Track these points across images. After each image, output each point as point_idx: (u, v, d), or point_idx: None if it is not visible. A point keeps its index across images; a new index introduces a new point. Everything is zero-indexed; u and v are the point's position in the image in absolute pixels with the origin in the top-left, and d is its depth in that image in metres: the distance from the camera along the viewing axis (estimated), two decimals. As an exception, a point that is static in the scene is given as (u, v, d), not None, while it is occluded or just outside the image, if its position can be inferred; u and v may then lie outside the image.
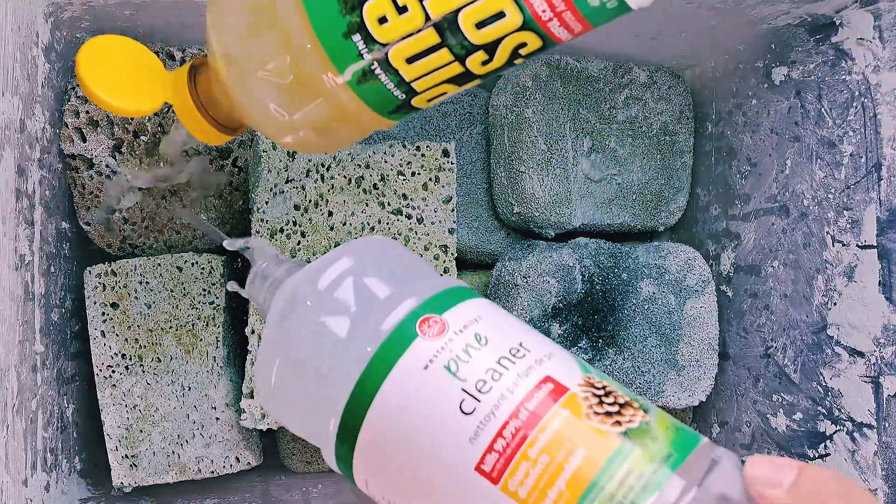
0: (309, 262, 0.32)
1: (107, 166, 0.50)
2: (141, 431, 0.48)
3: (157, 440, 0.48)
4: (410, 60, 0.30)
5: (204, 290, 0.49)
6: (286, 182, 0.47)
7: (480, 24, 0.28)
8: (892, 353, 0.43)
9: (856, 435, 0.45)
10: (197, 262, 0.49)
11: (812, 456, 0.47)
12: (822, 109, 0.47)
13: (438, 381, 0.25)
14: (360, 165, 0.49)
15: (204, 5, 0.51)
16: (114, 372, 0.48)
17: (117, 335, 0.48)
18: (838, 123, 0.46)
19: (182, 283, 0.49)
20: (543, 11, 0.27)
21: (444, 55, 0.29)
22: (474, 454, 0.24)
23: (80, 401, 0.52)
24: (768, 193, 0.52)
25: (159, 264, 0.49)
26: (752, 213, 0.54)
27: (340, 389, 0.27)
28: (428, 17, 0.28)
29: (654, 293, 0.54)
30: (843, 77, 0.45)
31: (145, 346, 0.48)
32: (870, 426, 0.44)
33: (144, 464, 0.48)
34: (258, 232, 0.47)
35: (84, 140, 0.50)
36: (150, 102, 0.35)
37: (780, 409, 0.51)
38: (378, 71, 0.30)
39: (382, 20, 0.29)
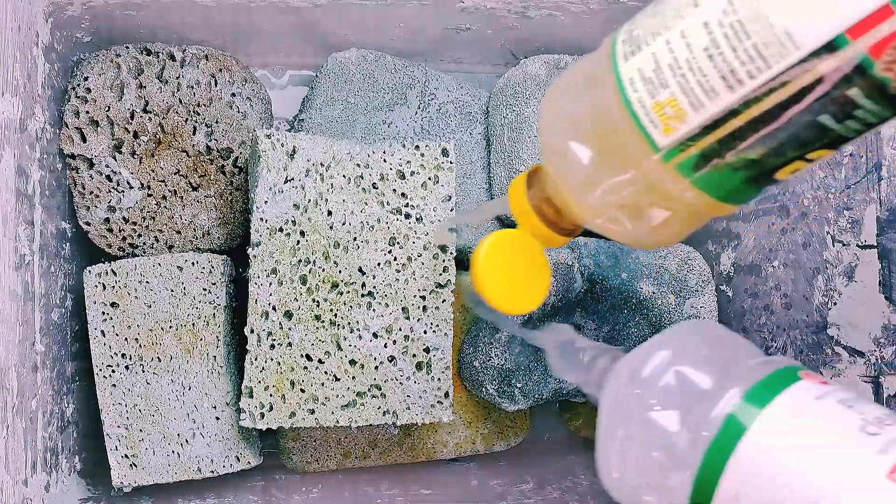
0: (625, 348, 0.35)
1: (107, 166, 0.51)
2: (141, 431, 0.48)
3: (157, 440, 0.48)
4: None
5: (204, 289, 0.49)
6: (285, 182, 0.47)
7: None
8: (892, 353, 0.42)
9: (856, 435, 0.45)
10: (197, 262, 0.49)
11: (812, 456, 0.47)
12: (822, 109, 0.47)
13: (834, 410, 0.28)
14: (359, 165, 0.49)
15: (204, 6, 0.51)
16: (114, 371, 0.48)
17: (117, 335, 0.48)
18: (838, 123, 0.46)
19: (182, 283, 0.49)
20: None
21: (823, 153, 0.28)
22: (885, 464, 0.26)
23: (80, 401, 0.52)
24: (768, 193, 0.52)
25: (159, 264, 0.49)
26: (752, 213, 0.54)
27: (694, 451, 0.29)
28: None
29: (653, 293, 0.54)
30: (843, 76, 0.45)
31: (145, 346, 0.48)
32: (870, 426, 0.44)
33: (144, 463, 0.48)
34: (258, 231, 0.47)
35: (84, 140, 0.50)
36: (535, 303, 0.39)
37: (781, 409, 0.51)
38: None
39: (793, 172, 0.29)
